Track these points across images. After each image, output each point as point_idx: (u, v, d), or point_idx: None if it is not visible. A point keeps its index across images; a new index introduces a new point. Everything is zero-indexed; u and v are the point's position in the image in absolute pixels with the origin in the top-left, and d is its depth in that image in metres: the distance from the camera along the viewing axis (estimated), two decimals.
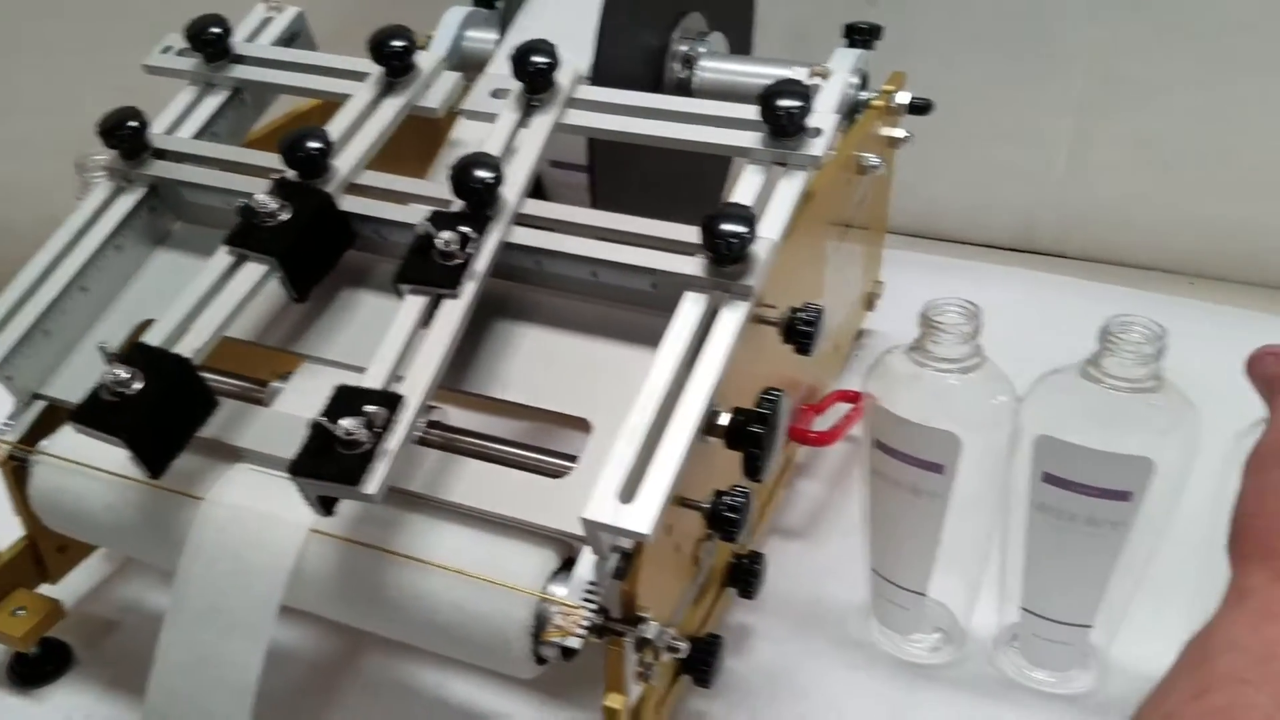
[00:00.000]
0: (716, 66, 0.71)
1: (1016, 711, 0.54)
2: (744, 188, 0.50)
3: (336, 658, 0.57)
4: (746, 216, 0.46)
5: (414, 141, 0.60)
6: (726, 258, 0.46)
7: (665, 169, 0.71)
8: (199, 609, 0.46)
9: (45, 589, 0.56)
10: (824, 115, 0.52)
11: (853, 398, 0.69)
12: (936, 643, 0.57)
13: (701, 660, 0.49)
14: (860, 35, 0.71)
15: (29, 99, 0.85)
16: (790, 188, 0.50)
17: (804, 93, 0.50)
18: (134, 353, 0.45)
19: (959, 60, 0.90)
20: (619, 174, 0.67)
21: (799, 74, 0.57)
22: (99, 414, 0.43)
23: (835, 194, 0.62)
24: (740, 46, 0.79)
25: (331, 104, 0.63)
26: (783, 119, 0.50)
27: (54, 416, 0.52)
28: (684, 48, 0.70)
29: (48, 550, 0.55)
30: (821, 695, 0.55)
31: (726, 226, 0.45)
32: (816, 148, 0.51)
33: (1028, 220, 0.96)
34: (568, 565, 0.45)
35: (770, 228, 0.48)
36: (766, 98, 0.50)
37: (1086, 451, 0.46)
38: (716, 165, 0.80)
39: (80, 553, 0.58)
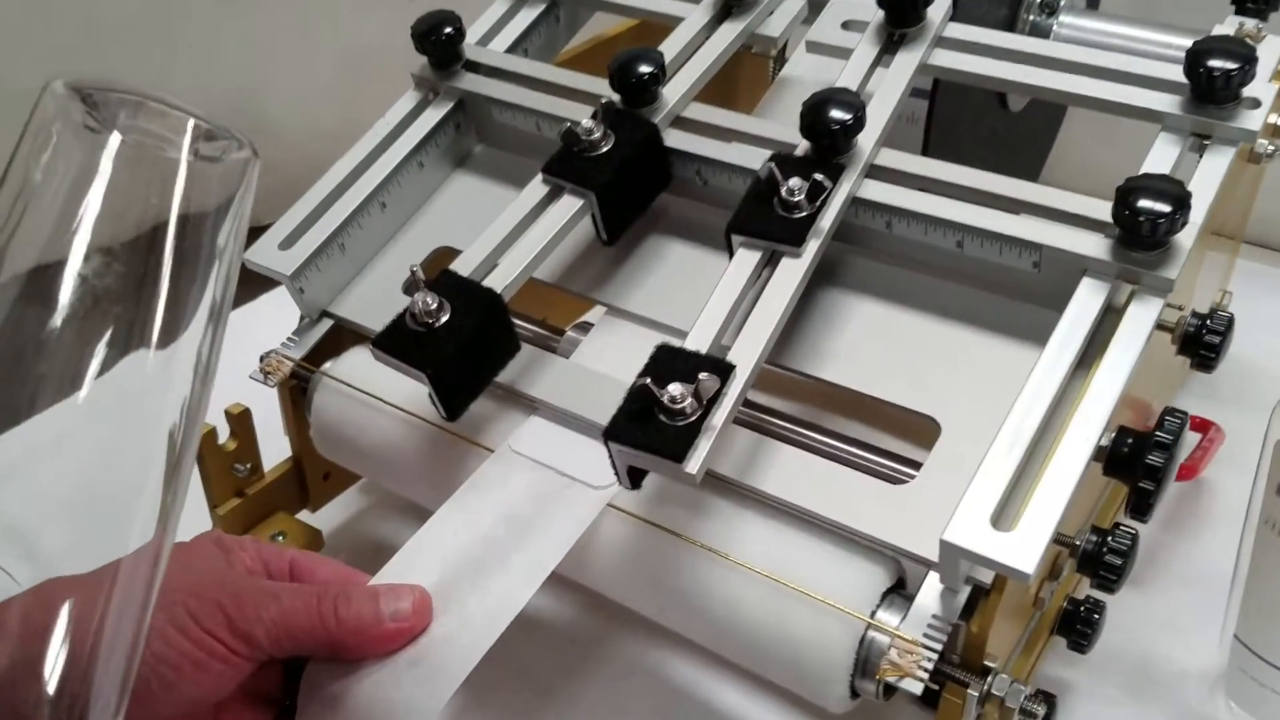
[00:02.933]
0: (1077, 23, 0.61)
1: None
2: (1157, 160, 0.41)
3: (591, 634, 0.52)
4: (1180, 195, 0.37)
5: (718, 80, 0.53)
6: (1146, 240, 0.37)
7: (994, 129, 0.62)
8: (460, 559, 0.40)
9: (305, 517, 0.53)
10: (1263, 85, 0.42)
11: (1203, 425, 0.59)
12: None
13: None
14: (1254, 2, 0.59)
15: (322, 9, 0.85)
16: (1217, 165, 0.41)
17: (1248, 55, 0.41)
18: (444, 281, 0.40)
19: None
20: (953, 132, 0.58)
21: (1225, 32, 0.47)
22: (403, 344, 0.39)
23: (1229, 183, 0.52)
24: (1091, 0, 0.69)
25: (644, 28, 0.57)
26: (1218, 82, 0.41)
27: (338, 336, 0.49)
28: None
29: (313, 476, 0.53)
30: None
31: (1152, 203, 0.37)
32: (1253, 121, 0.41)
33: None
34: (896, 586, 0.38)
35: (1195, 210, 0.39)
36: (1198, 54, 0.41)
37: None
38: (1048, 127, 0.70)
39: (343, 482, 0.55)
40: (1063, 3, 0.61)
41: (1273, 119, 0.61)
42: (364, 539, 0.57)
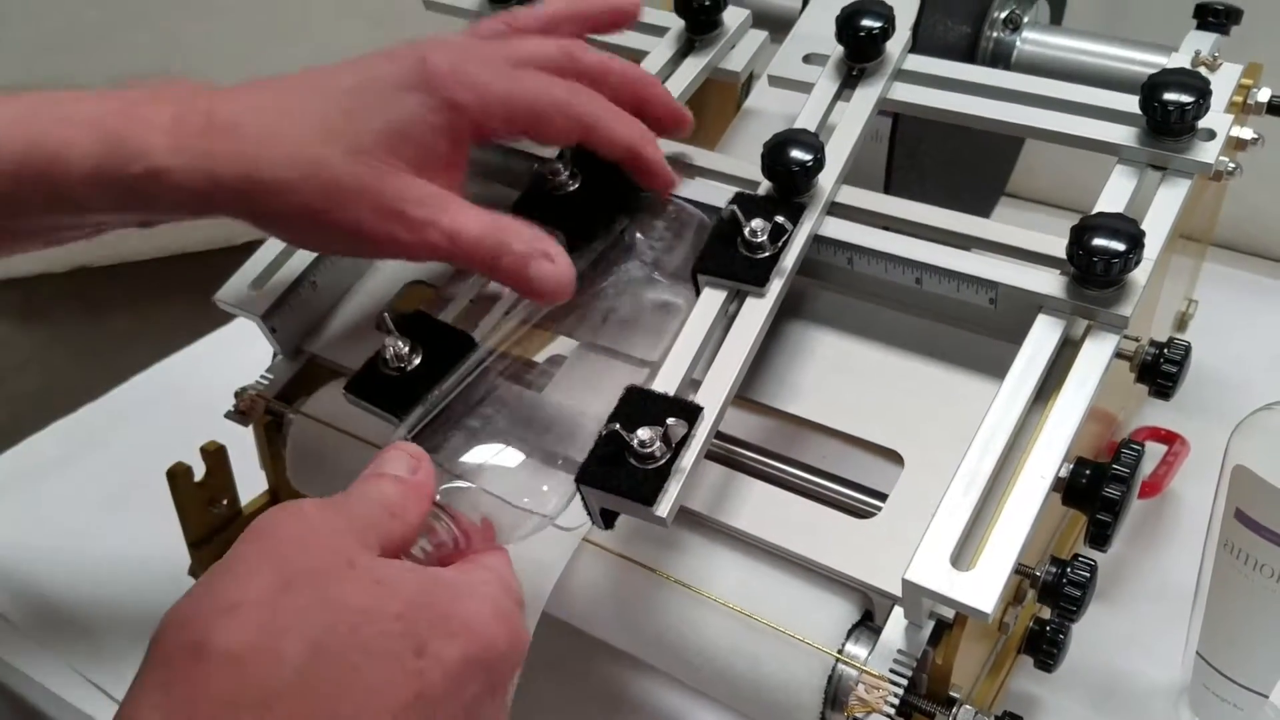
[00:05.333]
0: (1041, 39, 0.61)
1: None
2: (1113, 193, 0.42)
3: (574, 662, 0.53)
4: (1134, 234, 0.38)
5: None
6: (1100, 279, 0.38)
7: (957, 147, 0.63)
8: None
9: None
10: (1218, 116, 0.43)
11: (1168, 438, 0.60)
12: None
13: None
14: (1214, 18, 0.60)
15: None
16: (1172, 199, 0.42)
17: (1202, 87, 0.42)
18: (416, 324, 0.41)
19: None
20: (916, 150, 0.59)
21: (1178, 62, 0.48)
22: (377, 389, 0.39)
23: (1191, 204, 0.53)
24: (1054, 15, 0.69)
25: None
26: (1173, 115, 0.42)
27: (313, 372, 0.49)
28: (1005, 12, 0.61)
29: None
30: None
31: (1106, 242, 0.38)
32: (1207, 153, 0.42)
33: None
34: (865, 618, 0.39)
35: (1149, 247, 0.40)
36: (1153, 88, 0.42)
37: None
38: (1012, 144, 0.70)
39: None
40: (1026, 19, 0.61)
41: (1235, 131, 0.62)
42: None
